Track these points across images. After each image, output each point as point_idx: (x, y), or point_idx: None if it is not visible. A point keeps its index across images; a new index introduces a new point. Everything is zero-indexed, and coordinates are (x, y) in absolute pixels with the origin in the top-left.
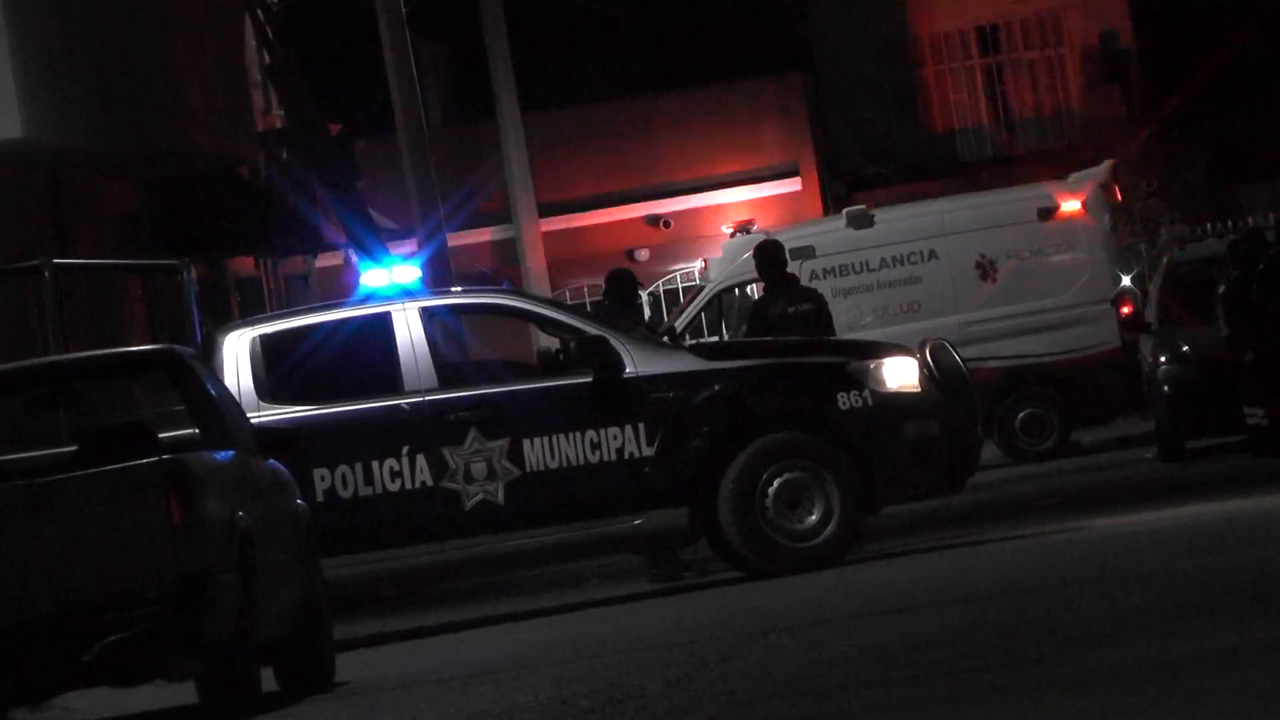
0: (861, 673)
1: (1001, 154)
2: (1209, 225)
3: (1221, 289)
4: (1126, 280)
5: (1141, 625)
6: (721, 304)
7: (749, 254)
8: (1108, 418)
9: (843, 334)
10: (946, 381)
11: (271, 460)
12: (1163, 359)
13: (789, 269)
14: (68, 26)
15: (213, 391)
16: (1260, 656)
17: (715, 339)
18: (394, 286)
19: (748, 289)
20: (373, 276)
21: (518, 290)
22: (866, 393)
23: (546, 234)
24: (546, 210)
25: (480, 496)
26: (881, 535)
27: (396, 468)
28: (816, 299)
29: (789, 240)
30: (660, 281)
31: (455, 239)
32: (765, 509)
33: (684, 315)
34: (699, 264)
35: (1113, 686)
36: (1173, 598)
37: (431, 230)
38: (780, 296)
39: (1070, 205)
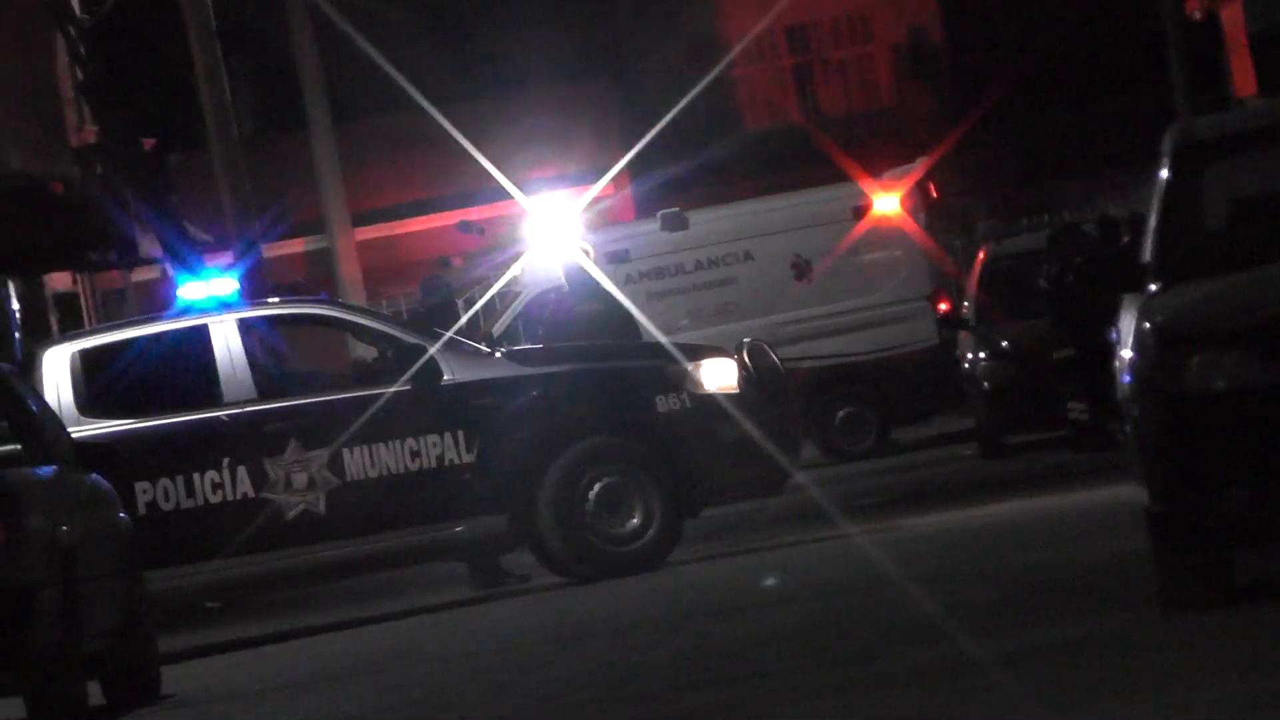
0: (681, 676)
1: (814, 153)
2: (1024, 220)
3: (1042, 283)
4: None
5: (962, 622)
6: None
7: (560, 260)
8: (926, 415)
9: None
10: (764, 382)
11: (92, 474)
12: (981, 355)
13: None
14: None
15: (33, 407)
16: (1080, 652)
17: (530, 345)
18: (211, 299)
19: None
20: (190, 289)
21: (334, 300)
22: (684, 395)
23: (361, 243)
24: (361, 219)
25: (301, 507)
26: (703, 538)
27: (217, 479)
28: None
29: (608, 244)
30: (476, 288)
31: (271, 250)
32: (585, 514)
33: (501, 321)
34: (514, 270)
35: (932, 684)
36: (994, 594)
37: (247, 242)
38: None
39: (885, 203)
